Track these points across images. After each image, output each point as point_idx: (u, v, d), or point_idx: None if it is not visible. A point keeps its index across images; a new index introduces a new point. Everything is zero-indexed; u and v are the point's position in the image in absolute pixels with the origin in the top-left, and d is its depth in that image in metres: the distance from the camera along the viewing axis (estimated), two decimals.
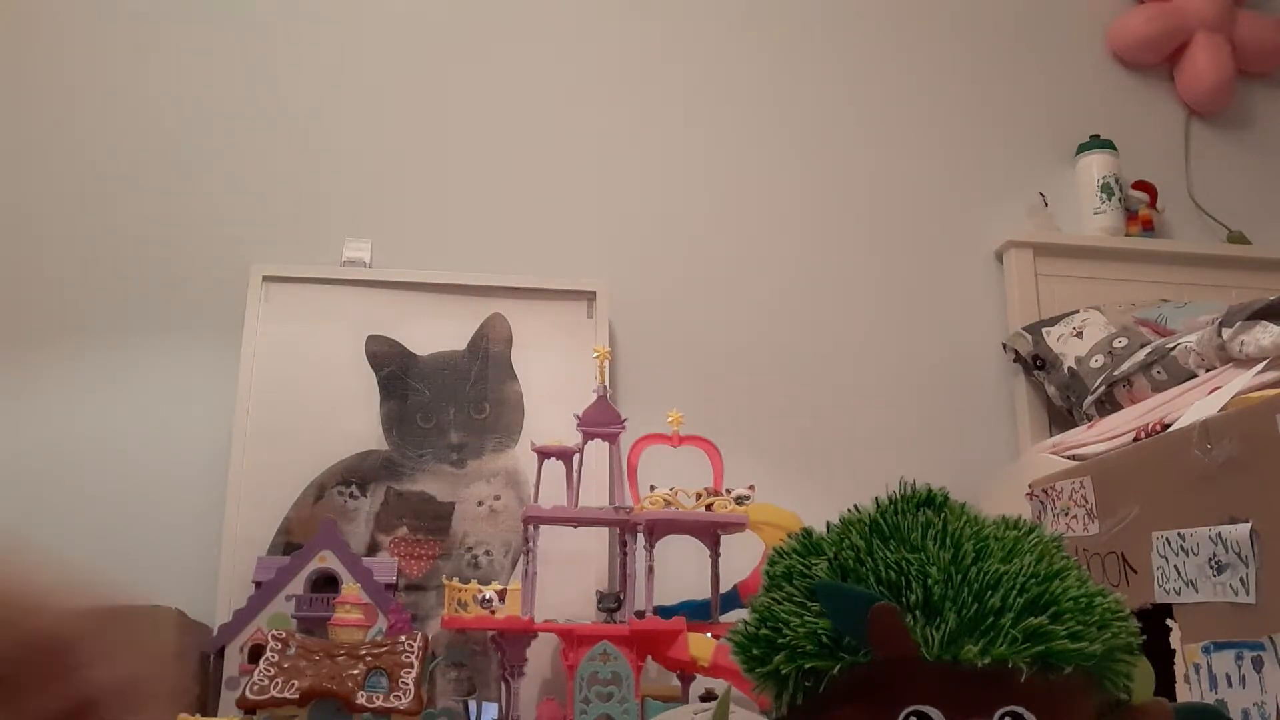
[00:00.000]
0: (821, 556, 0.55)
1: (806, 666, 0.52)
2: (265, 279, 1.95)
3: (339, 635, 1.55)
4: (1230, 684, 1.02)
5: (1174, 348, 1.68)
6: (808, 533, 0.58)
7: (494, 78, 2.19)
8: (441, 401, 1.93)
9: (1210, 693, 1.03)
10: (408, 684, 1.48)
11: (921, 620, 0.50)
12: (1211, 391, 1.46)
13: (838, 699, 0.52)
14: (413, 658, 1.52)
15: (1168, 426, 1.45)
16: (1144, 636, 0.54)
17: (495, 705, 1.65)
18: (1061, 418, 2.05)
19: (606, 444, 1.66)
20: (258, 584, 1.73)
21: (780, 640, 0.53)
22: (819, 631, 0.52)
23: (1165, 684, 1.13)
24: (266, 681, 1.45)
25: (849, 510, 0.58)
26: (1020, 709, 0.49)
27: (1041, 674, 0.49)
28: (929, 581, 0.51)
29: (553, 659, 1.76)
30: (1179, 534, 1.11)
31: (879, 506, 0.57)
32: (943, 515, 0.55)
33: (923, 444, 2.08)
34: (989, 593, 0.51)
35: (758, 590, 0.58)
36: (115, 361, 1.94)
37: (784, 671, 0.53)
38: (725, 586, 1.70)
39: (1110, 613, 0.52)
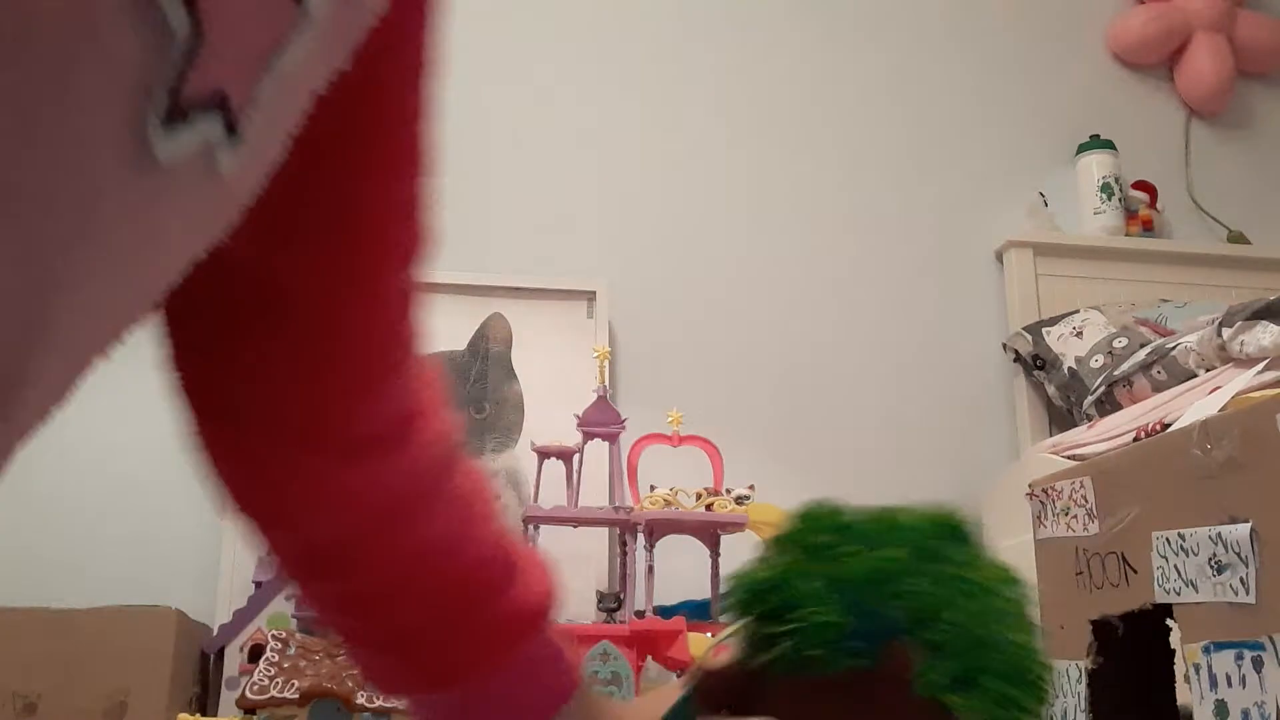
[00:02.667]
0: (857, 548, 0.53)
1: (807, 654, 0.52)
2: None
3: None
4: (1230, 684, 1.02)
5: (1174, 348, 1.68)
6: (837, 512, 0.56)
7: (492, 76, 2.19)
8: None
9: (1210, 693, 1.03)
10: None
11: (927, 657, 0.51)
12: (1211, 391, 1.46)
13: (824, 689, 0.52)
14: None
15: (1168, 426, 1.45)
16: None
17: None
18: (1061, 418, 2.05)
19: (606, 444, 1.66)
20: (258, 584, 1.73)
21: (790, 615, 0.52)
22: (832, 624, 0.51)
23: (1166, 684, 1.13)
24: (266, 681, 1.45)
25: (882, 506, 0.56)
26: None
27: None
28: (948, 629, 0.51)
29: None
30: (1179, 534, 1.11)
31: (919, 522, 0.55)
32: (972, 557, 0.55)
33: (923, 444, 2.08)
34: (990, 651, 0.51)
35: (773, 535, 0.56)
36: (115, 360, 1.93)
37: (780, 647, 0.52)
38: (725, 587, 1.70)
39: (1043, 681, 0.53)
